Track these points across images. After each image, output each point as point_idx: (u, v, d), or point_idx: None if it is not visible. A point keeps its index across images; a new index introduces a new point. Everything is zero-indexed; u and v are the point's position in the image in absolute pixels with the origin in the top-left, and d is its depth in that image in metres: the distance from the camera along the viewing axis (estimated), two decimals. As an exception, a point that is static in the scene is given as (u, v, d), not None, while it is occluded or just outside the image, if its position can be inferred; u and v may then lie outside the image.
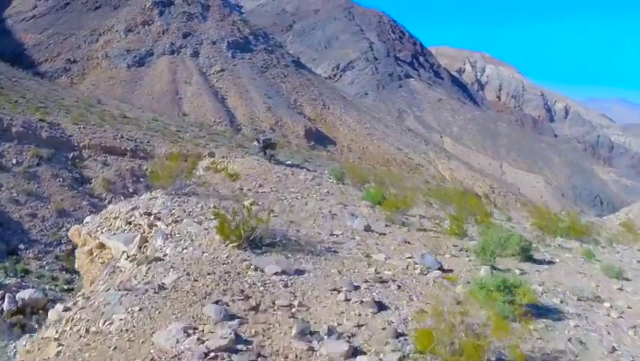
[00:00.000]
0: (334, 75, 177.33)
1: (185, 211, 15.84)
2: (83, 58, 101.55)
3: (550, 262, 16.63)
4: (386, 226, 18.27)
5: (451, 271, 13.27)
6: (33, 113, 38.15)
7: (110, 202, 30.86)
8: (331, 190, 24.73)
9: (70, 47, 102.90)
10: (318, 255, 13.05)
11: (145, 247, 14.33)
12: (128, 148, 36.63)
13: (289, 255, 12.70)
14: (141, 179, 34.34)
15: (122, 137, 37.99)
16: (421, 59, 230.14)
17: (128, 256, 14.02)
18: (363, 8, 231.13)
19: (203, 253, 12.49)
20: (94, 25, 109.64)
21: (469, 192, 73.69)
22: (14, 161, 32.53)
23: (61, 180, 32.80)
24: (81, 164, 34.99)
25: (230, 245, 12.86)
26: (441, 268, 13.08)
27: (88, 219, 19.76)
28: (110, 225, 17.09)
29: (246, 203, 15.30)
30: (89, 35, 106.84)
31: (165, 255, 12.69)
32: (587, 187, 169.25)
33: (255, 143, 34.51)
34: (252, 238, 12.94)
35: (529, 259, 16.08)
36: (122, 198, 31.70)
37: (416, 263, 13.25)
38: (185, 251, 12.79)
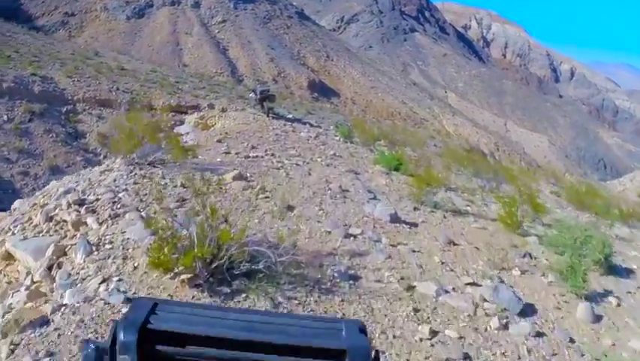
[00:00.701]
0: (338, 28, 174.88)
1: (137, 194, 12.05)
2: (80, 11, 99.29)
3: (629, 271, 13.70)
4: (415, 209, 15.45)
5: (535, 312, 9.82)
6: (25, 68, 36.58)
7: (105, 157, 29.48)
8: (338, 151, 22.61)
9: (67, 0, 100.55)
10: (327, 291, 8.97)
11: (61, 264, 9.31)
12: (124, 100, 35.05)
13: (279, 296, 8.46)
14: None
15: (117, 89, 36.39)
16: (427, 13, 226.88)
17: (33, 283, 9.09)
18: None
19: (130, 291, 8.13)
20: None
21: (478, 153, 72.59)
22: (5, 118, 31.01)
23: (54, 135, 31.29)
24: (75, 118, 33.42)
25: (178, 280, 8.37)
26: (523, 312, 9.49)
27: (16, 204, 15.29)
28: (29, 220, 11.70)
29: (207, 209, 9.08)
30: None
31: (62, 307, 7.79)
32: (590, 150, 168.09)
33: (252, 94, 32.37)
34: (214, 266, 8.32)
35: (612, 270, 13.14)
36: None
37: (485, 300, 9.61)
38: (101, 290, 8.12)
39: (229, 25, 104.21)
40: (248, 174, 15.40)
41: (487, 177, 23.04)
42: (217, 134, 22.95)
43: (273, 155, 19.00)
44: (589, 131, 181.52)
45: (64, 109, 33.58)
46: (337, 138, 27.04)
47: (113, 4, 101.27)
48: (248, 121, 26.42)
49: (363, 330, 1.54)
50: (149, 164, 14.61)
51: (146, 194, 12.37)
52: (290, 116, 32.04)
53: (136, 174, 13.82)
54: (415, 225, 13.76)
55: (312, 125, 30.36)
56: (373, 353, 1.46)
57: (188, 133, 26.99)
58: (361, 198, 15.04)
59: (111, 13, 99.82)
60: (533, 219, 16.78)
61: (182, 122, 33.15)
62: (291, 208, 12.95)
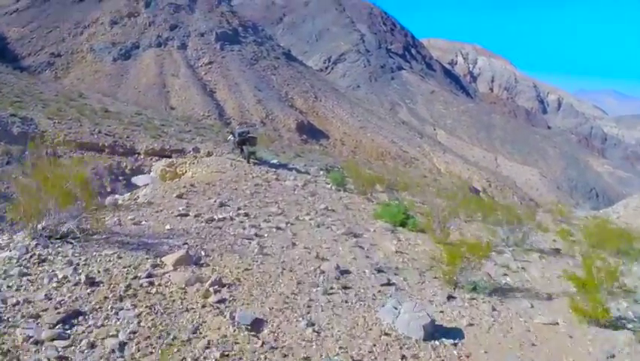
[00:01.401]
0: (326, 68, 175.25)
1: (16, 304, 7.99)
2: (67, 51, 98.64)
3: None
4: (449, 298, 11.63)
5: None
6: (6, 108, 35.50)
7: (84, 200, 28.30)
8: (331, 204, 19.55)
9: (54, 41, 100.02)
10: None
11: None
12: (106, 144, 33.76)
13: None
14: (120, 177, 31.61)
15: (99, 132, 35.17)
16: (413, 51, 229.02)
17: None
18: (354, 0, 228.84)
19: None
20: (78, 18, 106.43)
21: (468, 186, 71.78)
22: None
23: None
24: (55, 162, 32.34)
25: None
26: None
27: None
28: None
29: None
30: (73, 28, 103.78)
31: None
32: (582, 179, 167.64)
33: (230, 137, 29.03)
34: None
35: None
36: (99, 197, 29.40)
37: None
38: None
39: (216, 66, 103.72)
40: (202, 253, 11.42)
41: (502, 223, 19.73)
42: (180, 186, 18.81)
43: (247, 215, 15.45)
44: (579, 161, 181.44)
45: (44, 152, 32.41)
46: (329, 186, 24.16)
47: (99, 46, 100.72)
48: (224, 168, 23.39)
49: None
50: (59, 238, 10.65)
51: (26, 298, 8.23)
52: (274, 161, 29.02)
53: (34, 254, 9.83)
54: (460, 334, 9.82)
55: (299, 172, 27.24)
56: None
57: (146, 185, 23.10)
58: (370, 290, 11.10)
59: (97, 55, 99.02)
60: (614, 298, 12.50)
61: (124, 175, 31.99)
62: (258, 325, 8.72)
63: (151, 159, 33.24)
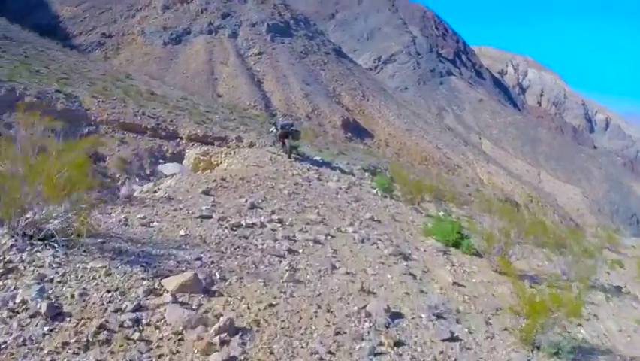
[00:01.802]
0: (375, 67, 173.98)
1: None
2: (118, 33, 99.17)
3: None
4: None
5: None
6: (52, 84, 35.04)
7: (123, 183, 27.63)
8: (377, 213, 17.18)
9: (106, 21, 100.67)
10: None
11: None
12: (149, 126, 33.12)
13: None
14: (160, 160, 30.94)
15: (143, 113, 34.57)
16: (464, 57, 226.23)
17: None
18: (407, 2, 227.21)
19: None
20: (131, 1, 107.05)
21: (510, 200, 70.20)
22: (23, 133, 29.38)
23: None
24: (97, 140, 31.81)
25: None
26: None
27: None
28: None
29: None
30: (125, 10, 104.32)
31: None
32: (624, 203, 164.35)
33: (272, 129, 27.06)
34: None
35: None
36: (137, 179, 28.74)
37: None
38: None
39: (265, 57, 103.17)
40: (216, 276, 8.80)
41: (565, 252, 17.06)
42: (210, 180, 16.29)
43: (280, 222, 12.99)
44: (623, 185, 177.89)
45: (86, 130, 31.86)
46: (374, 191, 21.88)
47: (150, 29, 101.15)
48: (262, 162, 21.35)
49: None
50: (42, 239, 8.35)
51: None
52: (318, 158, 27.13)
53: (3, 259, 7.65)
54: None
55: (343, 172, 25.12)
56: None
57: (173, 175, 21.12)
58: (430, 350, 8.34)
59: (148, 38, 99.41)
60: None
61: (164, 159, 30.79)
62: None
63: (192, 144, 32.58)
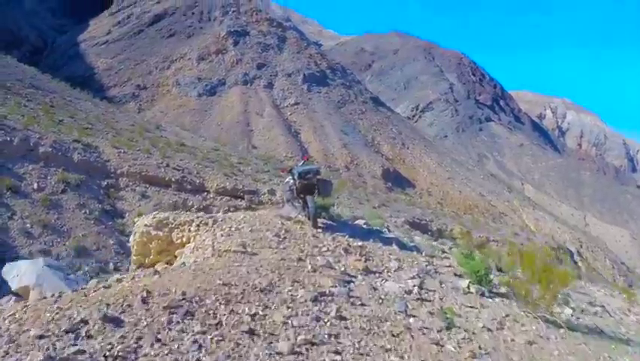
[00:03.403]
0: (413, 116, 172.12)
1: None
2: (152, 84, 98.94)
3: None
4: None
5: None
6: (71, 134, 32.72)
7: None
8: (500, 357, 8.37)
9: (140, 73, 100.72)
10: None
11: None
12: (173, 179, 30.64)
13: None
14: (185, 216, 28.27)
15: (167, 165, 32.14)
16: (502, 102, 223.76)
17: None
18: (443, 49, 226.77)
19: None
20: (166, 53, 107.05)
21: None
22: (35, 186, 26.94)
23: (87, 211, 26.96)
24: (115, 194, 29.19)
25: None
26: None
27: None
28: None
29: None
30: (160, 62, 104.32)
31: None
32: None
33: (288, 179, 15.87)
34: None
35: None
36: None
37: None
38: None
39: (302, 107, 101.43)
40: None
41: None
42: (136, 291, 7.96)
43: None
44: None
45: (105, 183, 29.48)
46: (463, 285, 11.64)
47: (185, 80, 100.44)
48: (261, 239, 12.33)
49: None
50: None
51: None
52: (362, 222, 17.74)
53: None
54: None
55: (403, 246, 14.95)
56: None
57: (13, 297, 14.30)
58: None
59: (183, 89, 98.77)
60: None
61: (209, 211, 26.42)
62: None
63: (221, 198, 29.88)
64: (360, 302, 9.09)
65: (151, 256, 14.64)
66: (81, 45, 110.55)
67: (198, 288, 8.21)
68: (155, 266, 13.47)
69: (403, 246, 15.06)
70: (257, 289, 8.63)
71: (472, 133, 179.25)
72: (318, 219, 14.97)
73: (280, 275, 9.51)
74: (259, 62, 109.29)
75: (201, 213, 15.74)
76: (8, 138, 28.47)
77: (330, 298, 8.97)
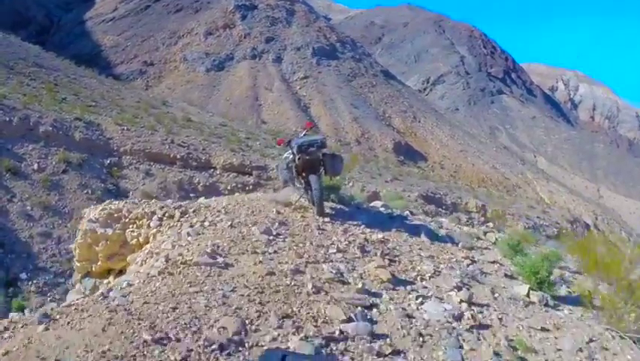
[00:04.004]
0: (424, 89, 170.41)
1: None
2: (160, 61, 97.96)
3: None
4: None
5: None
6: (72, 111, 31.80)
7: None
8: None
9: (147, 50, 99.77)
10: None
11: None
12: (178, 156, 29.79)
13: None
14: (190, 194, 27.27)
15: (172, 142, 31.21)
16: (513, 75, 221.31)
17: None
18: (454, 22, 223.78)
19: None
20: (173, 28, 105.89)
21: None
22: (35, 166, 26.20)
23: (89, 191, 26.28)
24: (118, 173, 28.41)
25: None
26: None
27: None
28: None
29: None
30: (167, 38, 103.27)
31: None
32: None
33: (287, 153, 12.46)
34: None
35: None
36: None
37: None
38: None
39: (311, 81, 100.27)
40: None
41: None
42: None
43: None
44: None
45: (108, 161, 28.55)
46: (524, 293, 8.64)
47: (192, 56, 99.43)
48: (246, 234, 9.38)
49: None
50: None
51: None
52: (380, 206, 14.65)
53: None
54: None
55: (435, 236, 11.85)
56: None
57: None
58: None
59: (190, 65, 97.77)
60: None
61: (195, 192, 24.99)
62: None
63: (228, 175, 28.91)
64: (390, 348, 5.91)
65: (98, 263, 11.38)
66: (87, 23, 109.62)
67: (104, 355, 4.80)
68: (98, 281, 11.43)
69: (433, 235, 11.87)
70: (215, 346, 5.23)
71: (483, 106, 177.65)
72: (325, 204, 11.91)
73: (262, 306, 6.27)
74: (267, 35, 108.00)
75: (168, 202, 12.31)
76: (7, 118, 27.70)
77: (342, 344, 5.84)
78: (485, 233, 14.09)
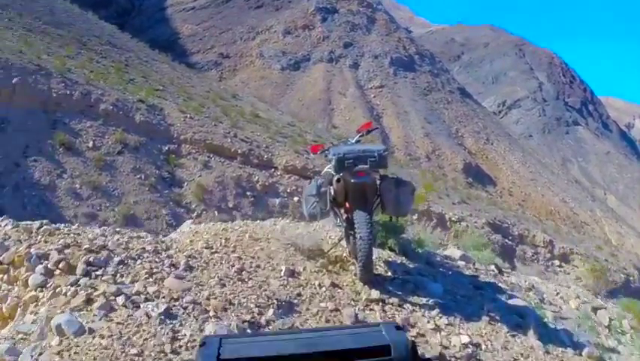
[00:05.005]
0: (499, 112, 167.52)
1: None
2: (236, 54, 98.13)
3: None
4: None
5: None
6: (136, 93, 30.72)
7: (199, 215, 22.65)
8: None
9: (225, 42, 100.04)
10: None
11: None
12: (240, 151, 28.42)
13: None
14: (247, 192, 25.87)
15: (235, 136, 29.87)
16: (590, 107, 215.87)
17: None
18: (534, 47, 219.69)
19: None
20: (252, 23, 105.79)
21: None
22: (91, 144, 25.16)
23: (142, 176, 25.09)
24: (175, 161, 27.20)
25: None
26: None
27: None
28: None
29: None
30: (245, 32, 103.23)
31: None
32: None
33: (328, 169, 7.96)
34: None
35: None
36: (217, 212, 23.82)
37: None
38: None
39: (386, 91, 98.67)
40: None
41: None
42: None
43: None
44: None
45: (166, 148, 27.31)
46: None
47: (269, 52, 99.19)
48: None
49: (400, 328, 1.95)
50: None
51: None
52: (457, 254, 10.95)
53: None
54: None
55: (543, 332, 7.74)
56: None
57: None
58: None
59: (266, 61, 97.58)
60: None
61: (252, 191, 24.62)
62: None
63: (289, 177, 27.41)
64: None
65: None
66: (168, 9, 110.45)
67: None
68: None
69: (541, 325, 8.00)
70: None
71: (558, 135, 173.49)
72: (370, 271, 7.37)
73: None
74: (346, 40, 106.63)
75: (108, 230, 8.01)
76: (68, 92, 26.72)
77: None
78: (595, 311, 10.07)
